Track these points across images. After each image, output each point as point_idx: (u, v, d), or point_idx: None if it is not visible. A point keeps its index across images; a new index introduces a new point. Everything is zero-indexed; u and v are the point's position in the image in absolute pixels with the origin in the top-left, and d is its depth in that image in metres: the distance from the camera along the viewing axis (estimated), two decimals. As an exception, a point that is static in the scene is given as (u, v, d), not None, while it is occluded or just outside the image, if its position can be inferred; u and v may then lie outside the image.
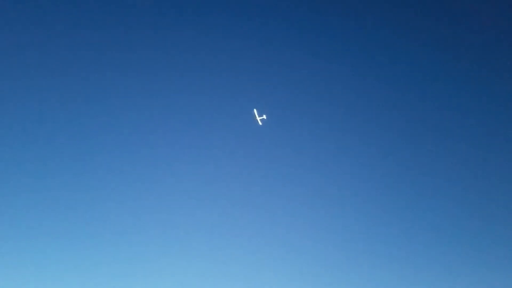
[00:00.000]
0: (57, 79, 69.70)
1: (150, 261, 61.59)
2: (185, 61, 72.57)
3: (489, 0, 70.68)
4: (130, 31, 72.13)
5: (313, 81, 72.23)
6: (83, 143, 68.52)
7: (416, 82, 72.07)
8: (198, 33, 72.28)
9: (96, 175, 67.08)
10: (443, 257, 62.27)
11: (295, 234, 64.89)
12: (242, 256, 62.83)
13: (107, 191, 66.31)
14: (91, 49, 70.83)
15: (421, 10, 72.40)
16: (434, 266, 61.67)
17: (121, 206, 65.72)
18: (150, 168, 68.83)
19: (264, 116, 58.54)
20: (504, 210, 63.29)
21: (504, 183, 64.94)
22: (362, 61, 73.20)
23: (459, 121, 70.06)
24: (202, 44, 72.59)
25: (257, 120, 58.13)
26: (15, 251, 60.44)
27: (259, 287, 58.79)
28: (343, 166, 70.39)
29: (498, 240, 62.11)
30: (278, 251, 63.49)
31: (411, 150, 69.84)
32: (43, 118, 68.49)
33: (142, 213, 65.65)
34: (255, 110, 58.46)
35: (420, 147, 69.28)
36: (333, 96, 72.32)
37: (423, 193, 67.52)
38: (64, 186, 66.03)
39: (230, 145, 68.80)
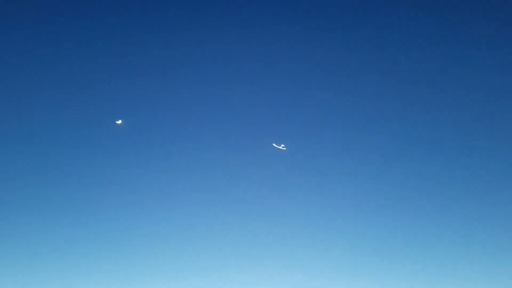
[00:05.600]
0: (58, 77, 73.35)
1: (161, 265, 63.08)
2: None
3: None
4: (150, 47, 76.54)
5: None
6: (89, 145, 69.42)
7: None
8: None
9: (117, 177, 69.59)
10: (445, 258, 63.59)
11: (302, 236, 65.30)
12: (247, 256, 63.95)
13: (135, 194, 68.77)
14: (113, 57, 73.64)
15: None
16: (435, 266, 62.50)
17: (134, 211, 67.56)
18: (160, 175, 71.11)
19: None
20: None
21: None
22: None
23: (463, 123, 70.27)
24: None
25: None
26: (15, 252, 62.16)
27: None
28: (346, 167, 70.85)
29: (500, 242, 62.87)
30: (286, 252, 64.40)
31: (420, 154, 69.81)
32: (43, 118, 71.56)
33: (147, 216, 67.78)
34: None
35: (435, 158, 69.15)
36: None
37: (438, 199, 68.45)
38: (66, 187, 68.44)
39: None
